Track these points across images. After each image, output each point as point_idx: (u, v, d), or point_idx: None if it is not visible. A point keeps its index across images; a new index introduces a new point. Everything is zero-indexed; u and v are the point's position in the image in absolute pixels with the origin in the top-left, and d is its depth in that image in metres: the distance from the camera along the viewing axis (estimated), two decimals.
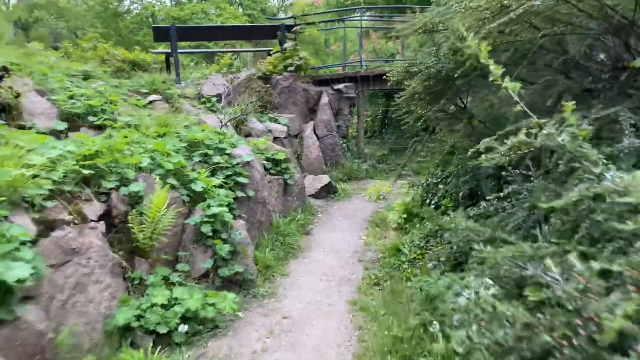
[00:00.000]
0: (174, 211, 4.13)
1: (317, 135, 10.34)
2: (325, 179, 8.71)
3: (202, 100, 8.97)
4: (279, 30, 10.78)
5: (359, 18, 13.73)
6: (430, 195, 5.83)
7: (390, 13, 16.41)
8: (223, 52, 12.96)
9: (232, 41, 14.76)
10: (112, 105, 6.06)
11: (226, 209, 4.54)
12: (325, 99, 10.61)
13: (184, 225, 4.43)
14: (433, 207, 5.52)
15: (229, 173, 5.38)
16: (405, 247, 5.24)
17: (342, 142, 10.85)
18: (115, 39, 19.16)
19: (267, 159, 7.06)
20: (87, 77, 7.78)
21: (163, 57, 10.75)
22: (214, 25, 13.53)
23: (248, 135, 8.61)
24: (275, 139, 9.14)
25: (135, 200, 4.13)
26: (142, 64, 10.05)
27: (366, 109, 13.48)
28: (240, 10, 24.50)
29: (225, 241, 4.46)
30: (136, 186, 4.07)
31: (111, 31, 21.27)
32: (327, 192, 8.63)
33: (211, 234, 4.35)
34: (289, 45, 10.49)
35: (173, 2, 25.41)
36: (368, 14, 16.02)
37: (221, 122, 7.84)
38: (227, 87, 9.25)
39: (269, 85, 10.09)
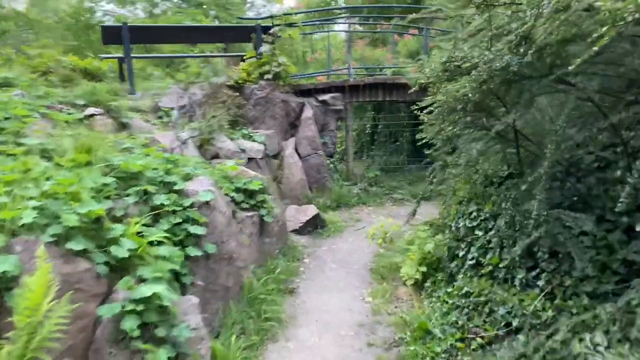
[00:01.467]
0: (70, 304, 2.46)
1: (299, 154, 8.74)
2: (311, 210, 7.08)
3: (160, 114, 7.29)
4: (254, 31, 9.18)
5: (345, 21, 12.25)
6: (461, 245, 4.25)
7: (375, 19, 15.00)
8: (185, 57, 11.28)
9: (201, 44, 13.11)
10: (18, 121, 4.36)
11: (165, 287, 2.87)
12: (308, 112, 9.03)
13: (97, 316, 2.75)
14: (470, 262, 3.94)
15: (178, 220, 3.72)
16: (434, 326, 3.64)
17: (328, 161, 9.26)
18: (87, 51, 17.48)
19: (238, 190, 5.43)
20: (5, 84, 6.06)
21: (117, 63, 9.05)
22: (176, 24, 11.81)
23: (215, 156, 6.95)
24: (250, 160, 7.50)
25: (4, 285, 2.45)
26: (96, 72, 8.33)
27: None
28: (217, 22, 22.97)
29: (163, 341, 2.79)
30: (3, 261, 2.40)
31: (82, 43, 19.58)
32: (314, 226, 7.01)
33: (138, 333, 2.68)
34: (265, 49, 8.90)
35: (146, 14, 23.74)
36: (353, 19, 14.59)
37: (180, 141, 6.18)
38: (191, 99, 7.59)
39: (239, 95, 8.47)
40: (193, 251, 3.64)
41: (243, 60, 9.19)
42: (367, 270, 5.49)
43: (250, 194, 5.55)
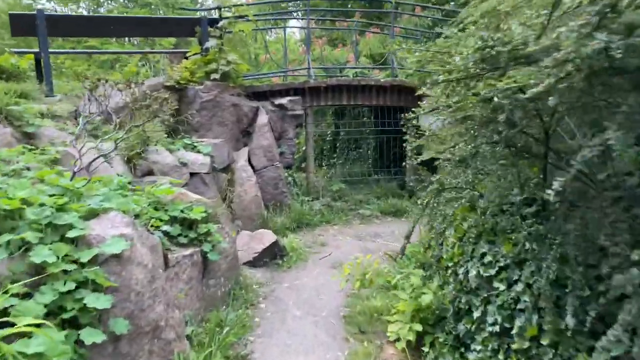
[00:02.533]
0: None
1: (253, 167, 7.54)
2: (267, 237, 5.88)
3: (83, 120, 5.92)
4: (198, 24, 7.92)
5: (303, 17, 11.13)
6: (474, 301, 3.16)
7: (334, 16, 13.96)
8: (117, 53, 9.84)
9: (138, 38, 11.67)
10: None
11: None
12: (263, 118, 7.84)
13: None
14: (491, 329, 2.87)
15: (70, 285, 2.46)
16: None
17: (286, 174, 8.10)
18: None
19: (173, 220, 4.21)
20: None
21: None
22: (104, 15, 10.33)
23: (148, 173, 5.66)
24: (193, 176, 6.25)
25: None
26: (12, 70, 6.82)
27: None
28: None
29: None
30: None
31: (20, 42, 17.59)
32: (272, 255, 5.82)
33: None
34: (212, 44, 7.66)
35: (90, 11, 21.85)
36: (311, 15, 13.47)
37: (100, 155, 4.87)
38: (119, 102, 6.24)
39: (182, 98, 7.20)
40: (91, 336, 2.39)
41: (186, 58, 7.91)
42: (339, 318, 4.35)
43: (190, 224, 4.34)
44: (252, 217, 7.01)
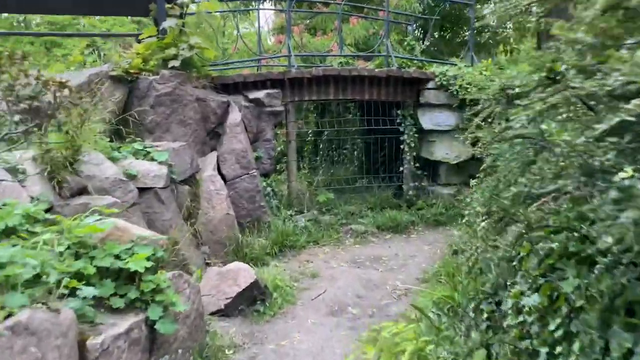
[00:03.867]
0: None
1: (223, 177, 6.09)
2: (244, 274, 4.43)
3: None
4: (154, 0, 6.40)
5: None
6: None
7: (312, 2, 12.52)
8: (54, 35, 8.19)
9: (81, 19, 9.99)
10: None
11: None
12: (235, 115, 6.39)
13: None
14: None
15: None
16: None
17: (264, 183, 6.67)
18: None
19: (103, 274, 2.78)
20: None
21: None
22: None
23: (79, 192, 4.16)
24: (145, 192, 4.81)
25: None
26: None
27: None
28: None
29: None
30: None
31: None
32: (250, 299, 4.40)
33: None
34: (170, 24, 6.16)
35: None
36: None
37: (10, 170, 3.37)
38: (41, 100, 4.69)
39: (133, 91, 5.71)
40: None
41: (139, 42, 6.38)
42: None
43: (129, 277, 2.90)
44: (223, 241, 5.57)
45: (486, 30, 16.44)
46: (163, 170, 5.03)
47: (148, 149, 5.32)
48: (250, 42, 10.20)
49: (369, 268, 5.56)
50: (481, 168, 5.08)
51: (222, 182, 5.86)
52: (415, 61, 8.54)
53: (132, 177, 4.79)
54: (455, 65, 7.85)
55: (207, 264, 5.40)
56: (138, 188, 4.83)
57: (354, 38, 10.81)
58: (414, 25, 10.14)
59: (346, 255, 5.98)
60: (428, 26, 12.85)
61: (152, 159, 5.19)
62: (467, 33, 15.74)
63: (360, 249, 6.27)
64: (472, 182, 5.08)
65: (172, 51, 6.12)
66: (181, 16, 6.36)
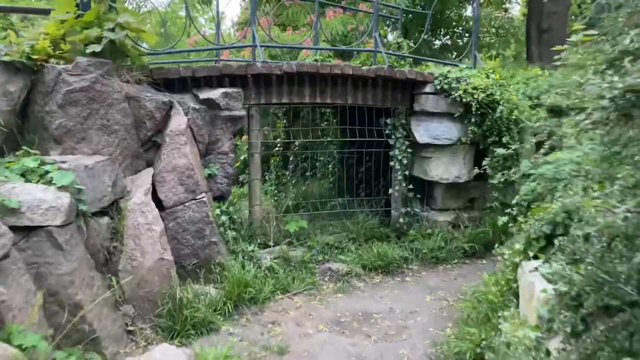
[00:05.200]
0: None
1: (160, 203, 4.50)
2: None
3: None
4: None
5: None
6: None
7: None
8: None
9: None
10: None
11: None
12: (179, 120, 4.79)
13: None
14: None
15: None
16: None
17: (218, 210, 5.08)
18: None
19: None
20: None
21: None
22: None
23: None
24: (30, 234, 3.20)
25: None
26: None
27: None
28: None
29: None
30: None
31: None
32: None
33: None
34: None
35: None
36: None
37: None
38: None
39: (22, 85, 4.07)
40: None
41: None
42: None
43: None
44: (154, 298, 3.97)
45: (467, 34, 15.36)
46: (62, 199, 3.42)
47: (47, 167, 3.69)
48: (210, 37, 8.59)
49: (357, 334, 4.05)
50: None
51: (156, 212, 4.25)
52: (406, 61, 7.14)
53: (10, 212, 3.17)
54: (456, 66, 6.48)
55: (129, 333, 3.79)
56: (19, 228, 3.22)
57: (331, 34, 9.36)
58: (400, 22, 8.74)
59: (326, 312, 4.47)
60: (414, 25, 11.59)
61: (50, 182, 3.57)
62: (446, 37, 14.65)
63: (343, 300, 4.76)
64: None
65: (93, 32, 4.50)
66: None
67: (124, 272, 3.97)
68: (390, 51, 6.36)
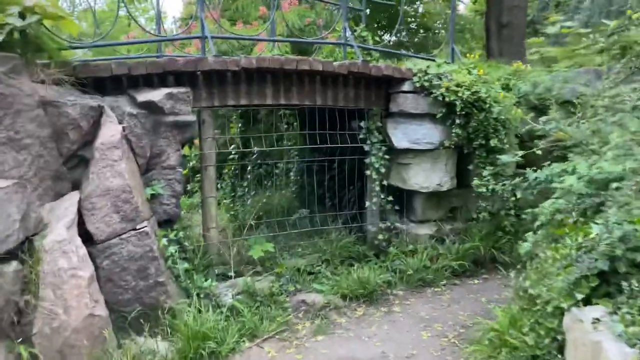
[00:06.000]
0: None
1: (90, 237, 3.51)
2: None
3: None
4: None
5: None
6: None
7: None
8: None
9: None
10: None
11: None
12: (111, 129, 3.80)
13: None
14: None
15: None
16: None
17: (165, 239, 4.11)
18: None
19: None
20: None
21: None
22: None
23: None
24: None
25: None
26: None
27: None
28: None
29: None
30: None
31: None
32: None
33: None
34: None
35: None
36: None
37: None
38: None
39: None
40: None
41: None
42: None
43: None
44: None
45: (422, 30, 14.90)
46: None
47: None
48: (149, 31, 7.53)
49: None
50: None
51: (83, 250, 3.27)
52: (373, 56, 6.38)
53: None
54: (432, 61, 5.79)
55: None
56: None
57: (287, 28, 8.48)
58: (364, 14, 7.98)
59: None
60: (370, 20, 10.92)
61: None
62: (403, 34, 14.10)
63: (324, 343, 3.93)
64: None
65: None
66: None
67: (41, 336, 2.97)
68: (363, 44, 5.56)
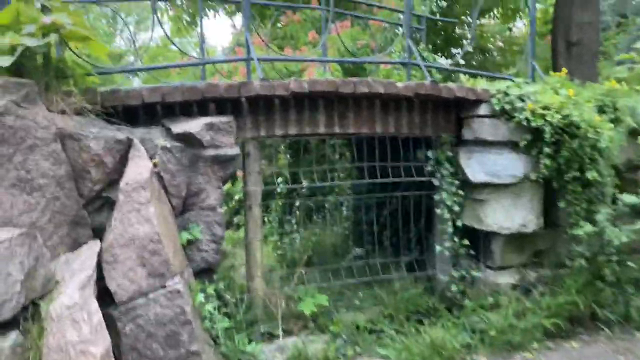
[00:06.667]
0: None
1: (110, 297, 2.88)
2: None
3: None
4: None
5: None
6: None
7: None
8: None
9: None
10: None
11: None
12: (140, 167, 3.22)
13: None
14: None
15: None
16: None
17: (201, 294, 3.45)
18: None
19: None
20: None
21: None
22: None
23: None
24: None
25: None
26: None
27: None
28: None
29: None
30: None
31: None
32: None
33: None
34: None
35: None
36: None
37: None
38: None
39: None
40: None
41: None
42: None
43: None
44: None
45: (481, 53, 14.06)
46: None
47: None
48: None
49: None
50: None
51: (98, 319, 2.64)
52: (435, 77, 5.64)
53: None
54: (511, 80, 4.98)
55: None
56: None
57: (338, 51, 7.91)
58: (424, 33, 7.27)
59: None
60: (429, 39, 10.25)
61: None
62: (458, 55, 13.34)
63: None
64: None
65: (6, 39, 2.97)
66: None
67: None
68: (430, 63, 4.83)
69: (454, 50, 12.79)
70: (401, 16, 8.54)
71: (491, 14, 13.26)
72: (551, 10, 11.38)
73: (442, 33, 12.03)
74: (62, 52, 3.42)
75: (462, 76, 5.76)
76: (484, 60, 13.39)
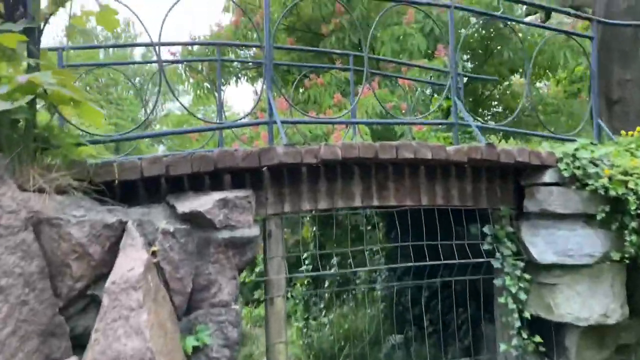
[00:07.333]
0: None
1: None
2: None
3: None
4: None
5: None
6: None
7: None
8: None
9: None
10: None
11: None
12: (132, 259, 2.52)
13: None
14: None
15: None
16: None
17: None
18: None
19: None
20: None
21: None
22: None
23: None
24: None
25: None
26: None
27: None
28: None
29: None
30: None
31: None
32: None
33: None
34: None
35: None
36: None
37: None
38: None
39: None
40: None
41: None
42: None
43: None
44: None
45: (507, 112, 13.47)
46: None
47: None
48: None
49: None
50: None
51: None
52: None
53: None
54: (573, 141, 4.27)
55: None
56: None
57: (366, 113, 7.37)
58: (462, 90, 6.70)
59: None
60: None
61: None
62: (488, 115, 12.78)
63: None
64: None
65: None
66: (36, 32, 2.76)
67: None
68: (481, 123, 4.18)
69: (485, 112, 12.25)
70: (429, 77, 8.07)
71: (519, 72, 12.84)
72: (579, 68, 10.89)
73: (474, 94, 11.52)
74: (65, 121, 2.85)
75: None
76: (518, 121, 12.79)
